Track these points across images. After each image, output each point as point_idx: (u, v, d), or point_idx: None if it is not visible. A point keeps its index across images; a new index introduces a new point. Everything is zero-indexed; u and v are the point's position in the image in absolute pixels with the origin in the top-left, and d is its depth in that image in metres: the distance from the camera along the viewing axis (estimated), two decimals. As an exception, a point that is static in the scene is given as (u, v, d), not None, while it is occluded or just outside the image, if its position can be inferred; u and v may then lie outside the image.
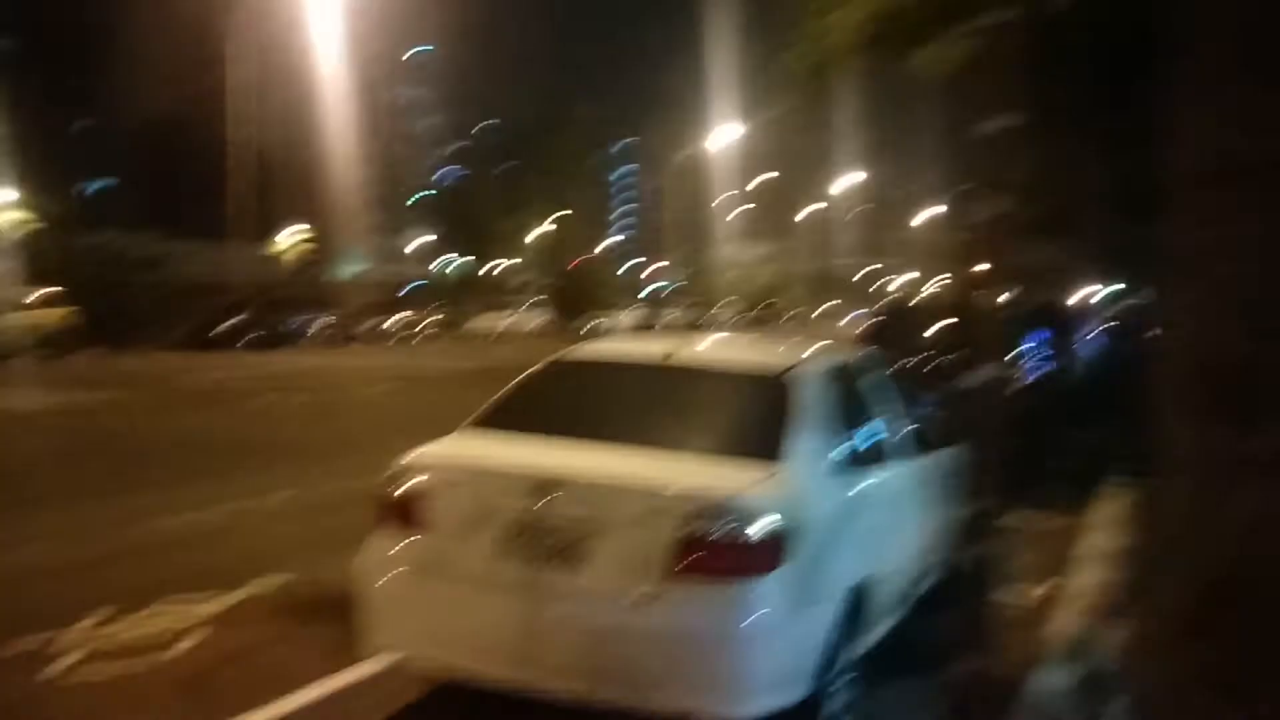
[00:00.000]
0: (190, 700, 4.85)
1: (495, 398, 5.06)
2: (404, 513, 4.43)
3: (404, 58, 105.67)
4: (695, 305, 64.27)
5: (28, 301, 28.05)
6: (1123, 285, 21.51)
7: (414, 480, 4.42)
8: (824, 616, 4.23)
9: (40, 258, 32.87)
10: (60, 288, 28.88)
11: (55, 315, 28.31)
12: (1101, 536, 7.69)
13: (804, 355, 5.22)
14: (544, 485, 4.13)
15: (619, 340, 7.11)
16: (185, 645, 5.51)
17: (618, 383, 5.16)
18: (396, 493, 4.45)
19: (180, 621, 5.83)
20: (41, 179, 45.60)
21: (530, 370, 5.28)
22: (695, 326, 52.47)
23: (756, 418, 4.67)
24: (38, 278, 29.84)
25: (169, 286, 35.15)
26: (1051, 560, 7.08)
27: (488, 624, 4.20)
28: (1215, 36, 1.80)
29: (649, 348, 5.39)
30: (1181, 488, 1.85)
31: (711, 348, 5.89)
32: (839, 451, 4.76)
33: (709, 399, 4.94)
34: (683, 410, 4.92)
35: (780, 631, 4.00)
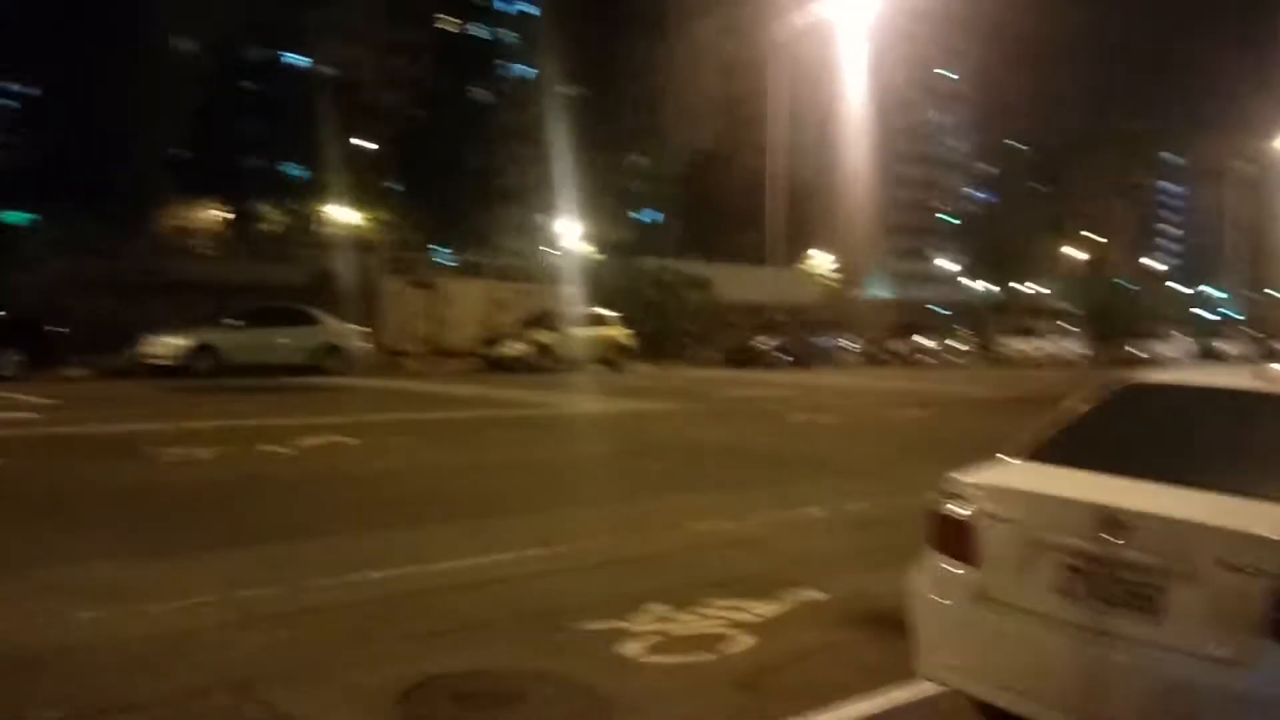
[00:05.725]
0: (747, 696, 5.07)
1: (1051, 425, 4.82)
2: (958, 538, 4.31)
3: (929, 82, 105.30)
4: (1254, 338, 57.20)
5: (594, 321, 31.92)
6: None
7: (969, 505, 4.33)
8: None
9: (601, 282, 37.16)
10: (618, 310, 32.50)
11: (616, 333, 31.90)
12: None
13: None
14: (1115, 521, 3.86)
15: (1194, 368, 6.49)
16: (741, 646, 5.82)
17: (1201, 414, 4.70)
18: (951, 516, 4.39)
19: (733, 622, 6.20)
20: (601, 212, 51.60)
21: (1090, 395, 4.97)
22: (1262, 359, 46.74)
23: None
24: (600, 299, 33.78)
25: (711, 308, 38.06)
26: None
27: (1046, 664, 3.96)
28: None
29: (1238, 375, 4.86)
30: None
31: None
32: None
33: None
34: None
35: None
